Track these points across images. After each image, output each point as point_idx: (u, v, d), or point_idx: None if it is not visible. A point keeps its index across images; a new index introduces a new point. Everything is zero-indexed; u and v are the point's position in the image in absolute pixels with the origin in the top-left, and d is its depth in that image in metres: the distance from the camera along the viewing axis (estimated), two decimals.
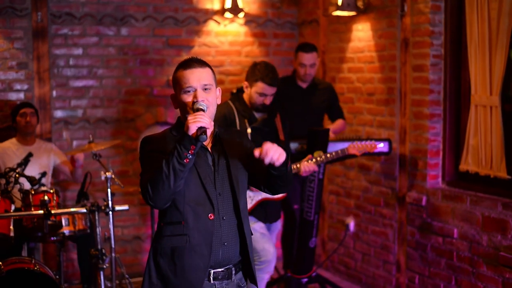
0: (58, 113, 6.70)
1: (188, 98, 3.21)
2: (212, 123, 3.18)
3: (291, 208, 6.22)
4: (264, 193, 5.13)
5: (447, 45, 5.69)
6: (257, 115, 5.23)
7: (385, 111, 6.28)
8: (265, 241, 5.24)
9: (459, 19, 5.65)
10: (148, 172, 3.12)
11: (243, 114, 5.17)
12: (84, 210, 5.21)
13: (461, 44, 5.65)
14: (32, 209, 5.22)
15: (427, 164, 5.77)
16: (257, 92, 5.11)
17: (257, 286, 3.42)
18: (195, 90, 3.21)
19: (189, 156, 3.03)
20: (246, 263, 3.36)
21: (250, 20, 7.37)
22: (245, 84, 5.19)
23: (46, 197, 5.13)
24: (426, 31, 5.70)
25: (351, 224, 6.77)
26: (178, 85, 3.26)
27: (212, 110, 3.25)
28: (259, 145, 5.03)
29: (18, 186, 5.37)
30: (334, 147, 5.75)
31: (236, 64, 7.36)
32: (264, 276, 5.34)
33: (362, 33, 6.55)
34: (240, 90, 5.27)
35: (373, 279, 6.52)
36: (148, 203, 3.11)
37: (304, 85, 6.23)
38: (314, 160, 5.36)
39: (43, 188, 5.36)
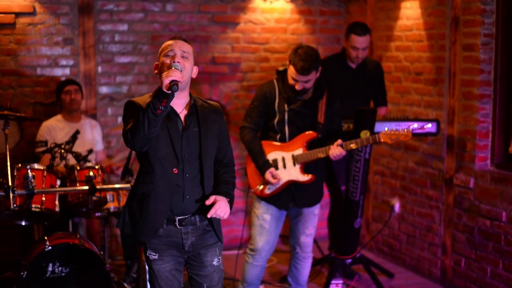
0: (103, 89, 6.71)
1: (167, 60, 3.64)
2: (185, 78, 3.62)
3: (338, 190, 6.15)
4: (291, 175, 5.07)
5: (499, 24, 5.55)
6: (301, 96, 5.10)
7: (433, 91, 6.17)
8: (259, 233, 5.21)
9: None
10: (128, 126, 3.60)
11: (284, 96, 5.10)
12: (129, 186, 5.22)
13: None
14: (78, 184, 5.24)
15: (476, 146, 5.66)
16: (290, 75, 5.01)
17: (221, 240, 3.84)
18: (175, 54, 3.64)
19: (161, 107, 3.45)
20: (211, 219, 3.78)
21: None
22: (287, 63, 5.08)
23: (91, 173, 5.15)
24: (477, 9, 5.57)
25: (396, 205, 6.69)
26: (162, 52, 3.70)
27: (185, 75, 3.63)
28: (295, 126, 4.99)
29: (64, 161, 5.40)
30: (381, 127, 5.67)
31: (282, 41, 7.29)
32: (256, 263, 5.29)
33: (411, 11, 6.43)
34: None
35: (417, 261, 6.44)
36: (127, 146, 3.60)
37: (353, 65, 6.11)
38: (343, 145, 5.03)
39: (88, 164, 5.37)
